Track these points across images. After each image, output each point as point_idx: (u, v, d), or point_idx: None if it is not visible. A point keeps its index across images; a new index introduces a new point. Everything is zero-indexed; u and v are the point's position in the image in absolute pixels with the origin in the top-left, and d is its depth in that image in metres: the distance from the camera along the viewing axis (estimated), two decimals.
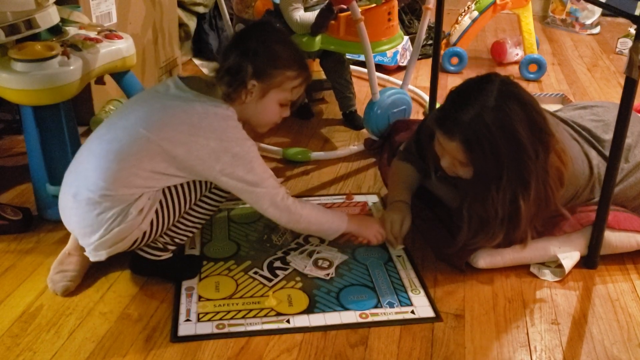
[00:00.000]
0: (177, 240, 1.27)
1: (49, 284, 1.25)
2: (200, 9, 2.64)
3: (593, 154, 1.35)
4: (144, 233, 1.19)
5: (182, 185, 1.20)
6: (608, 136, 1.35)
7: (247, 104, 1.20)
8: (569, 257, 1.33)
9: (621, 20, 3.44)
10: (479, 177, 1.21)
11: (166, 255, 1.27)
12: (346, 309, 1.22)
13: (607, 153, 1.31)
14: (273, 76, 1.19)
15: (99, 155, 1.16)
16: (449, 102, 1.22)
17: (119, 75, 1.62)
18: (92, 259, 1.21)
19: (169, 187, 1.19)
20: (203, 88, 1.20)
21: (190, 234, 1.29)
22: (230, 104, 1.19)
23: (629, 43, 2.90)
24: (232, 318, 1.19)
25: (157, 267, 1.27)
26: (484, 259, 1.32)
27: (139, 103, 1.23)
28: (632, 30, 2.89)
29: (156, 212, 1.18)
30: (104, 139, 1.19)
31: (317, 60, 2.13)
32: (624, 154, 1.35)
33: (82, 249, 1.23)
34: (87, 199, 1.15)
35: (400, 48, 2.52)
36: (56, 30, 1.51)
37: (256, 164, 1.19)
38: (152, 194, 1.17)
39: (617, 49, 3.00)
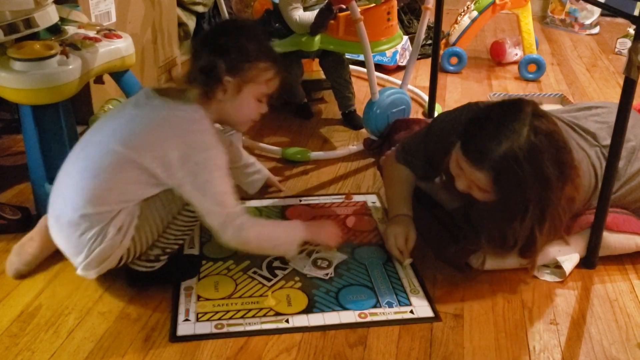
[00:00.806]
0: (168, 250, 1.24)
1: (6, 265, 1.27)
2: (200, 9, 2.64)
3: (598, 163, 1.32)
4: (128, 250, 1.18)
5: (159, 197, 1.17)
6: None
7: (223, 103, 1.18)
8: (569, 260, 1.33)
9: (620, 20, 3.44)
10: (503, 209, 1.18)
11: (160, 264, 1.25)
12: (345, 308, 1.22)
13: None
14: (246, 70, 1.17)
15: (74, 176, 1.17)
16: (478, 128, 1.16)
17: (118, 75, 1.62)
18: (83, 276, 1.20)
19: (146, 201, 1.17)
20: (174, 94, 1.19)
21: (181, 241, 1.27)
22: (206, 105, 1.17)
23: (628, 43, 2.90)
24: (231, 318, 1.19)
25: (154, 276, 1.25)
26: (482, 260, 1.32)
27: (110, 118, 1.23)
28: (631, 31, 2.89)
29: (136, 228, 1.16)
30: (79, 157, 1.19)
31: (317, 60, 2.13)
32: (628, 157, 1.34)
33: (45, 234, 1.24)
34: (69, 221, 1.15)
35: (399, 48, 2.52)
36: (55, 30, 1.50)
37: (217, 175, 1.14)
38: (130, 209, 1.15)
39: (616, 49, 3.01)
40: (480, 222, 1.27)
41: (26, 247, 1.28)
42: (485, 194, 1.19)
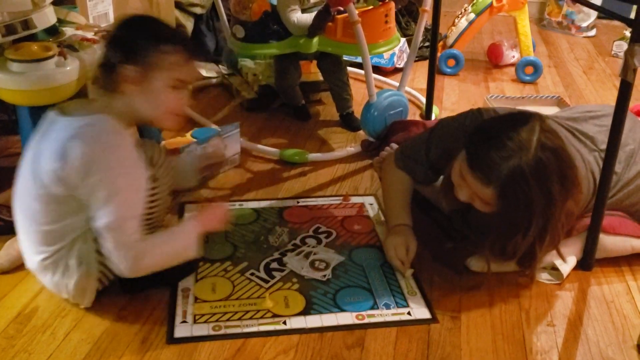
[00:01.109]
0: None
1: None
2: (198, 10, 2.64)
3: (597, 169, 1.32)
4: (103, 274, 1.17)
5: None
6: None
7: (133, 97, 1.11)
8: (566, 263, 1.33)
9: (617, 23, 3.45)
10: (506, 223, 1.18)
11: None
12: (343, 310, 1.22)
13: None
14: (148, 55, 1.09)
15: (20, 226, 1.17)
16: (484, 141, 1.15)
17: None
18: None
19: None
20: (79, 109, 1.13)
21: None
22: (115, 108, 1.11)
23: (625, 46, 2.91)
24: (228, 320, 1.18)
25: (149, 279, 1.21)
26: (479, 263, 1.32)
27: (25, 157, 1.17)
28: (628, 33, 2.90)
29: (97, 252, 1.13)
30: (16, 206, 1.18)
31: (314, 62, 2.13)
32: (627, 160, 1.34)
33: None
34: (36, 268, 1.18)
35: (397, 50, 2.52)
36: (53, 31, 1.50)
37: (122, 197, 1.06)
38: (80, 236, 1.12)
39: (613, 52, 3.02)
40: (480, 230, 1.26)
41: (15, 244, 1.27)
42: (488, 206, 1.19)
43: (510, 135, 1.13)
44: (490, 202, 1.17)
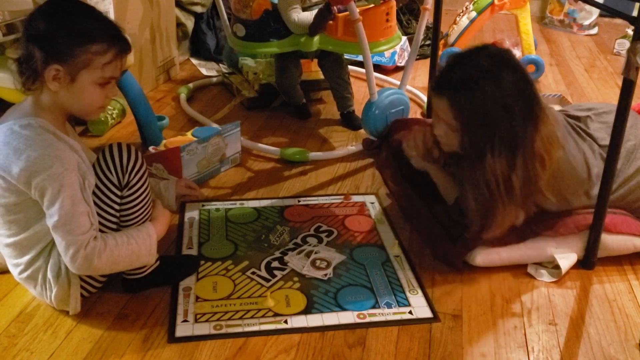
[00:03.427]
0: None
1: None
2: (198, 9, 2.64)
3: (594, 162, 1.33)
4: (86, 282, 1.16)
5: None
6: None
7: (59, 94, 1.06)
8: (566, 258, 1.33)
9: (619, 21, 3.45)
10: (473, 143, 1.21)
11: (152, 267, 1.23)
12: (344, 309, 1.22)
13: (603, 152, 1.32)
14: (76, 55, 1.03)
15: None
16: (445, 65, 1.23)
17: None
18: None
19: None
20: (10, 113, 1.10)
21: None
22: (41, 105, 1.07)
23: (627, 44, 2.91)
24: (229, 319, 1.18)
25: (149, 279, 1.24)
26: (481, 257, 1.32)
27: None
28: (630, 31, 2.89)
29: None
30: None
31: (315, 61, 2.13)
32: (627, 157, 1.35)
33: None
34: (18, 279, 1.18)
35: (398, 48, 2.52)
36: None
37: (65, 195, 1.03)
38: (53, 247, 1.11)
39: (615, 50, 3.01)
40: (466, 183, 1.29)
41: None
42: (459, 134, 1.22)
43: (464, 54, 1.21)
44: (452, 122, 1.21)
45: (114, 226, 1.16)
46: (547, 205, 1.34)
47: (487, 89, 1.15)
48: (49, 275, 1.13)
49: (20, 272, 1.15)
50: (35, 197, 1.06)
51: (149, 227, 1.18)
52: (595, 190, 1.32)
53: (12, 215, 1.10)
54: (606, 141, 1.29)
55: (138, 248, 1.13)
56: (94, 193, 1.12)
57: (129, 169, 1.14)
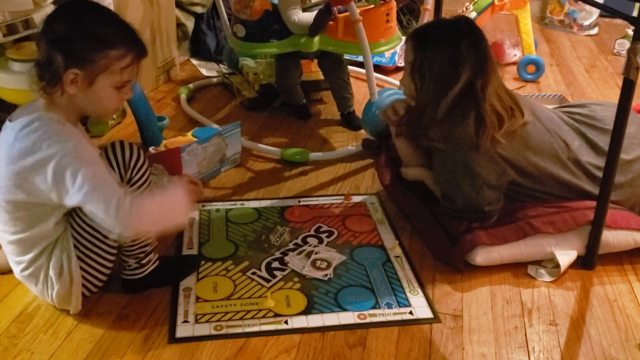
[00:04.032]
0: (143, 252, 1.21)
1: None
2: (198, 9, 2.64)
3: (571, 135, 1.42)
4: (88, 282, 1.17)
5: (84, 221, 1.12)
6: (597, 122, 1.44)
7: (76, 96, 1.07)
8: (566, 254, 1.33)
9: (619, 21, 3.44)
10: (423, 89, 1.36)
11: (151, 267, 1.24)
12: (344, 309, 1.22)
13: (593, 137, 1.42)
14: (95, 60, 1.05)
15: None
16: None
17: None
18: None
19: (74, 230, 1.13)
20: (21, 111, 1.10)
21: (149, 236, 1.21)
22: (56, 104, 1.08)
23: (627, 44, 2.91)
24: (230, 319, 1.18)
25: (149, 279, 1.24)
26: (482, 256, 1.32)
27: None
28: (630, 32, 2.89)
29: (79, 259, 1.13)
30: None
31: (316, 61, 2.13)
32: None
33: None
34: (19, 277, 1.18)
35: (398, 49, 2.51)
36: None
37: (89, 169, 1.04)
38: (56, 245, 1.12)
39: (615, 50, 3.01)
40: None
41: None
42: (409, 77, 1.38)
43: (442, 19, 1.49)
44: (413, 61, 1.37)
45: None
46: (527, 182, 1.39)
47: (447, 36, 1.34)
48: (51, 273, 1.13)
49: (22, 270, 1.15)
50: (52, 188, 1.04)
51: (178, 186, 1.15)
52: (585, 157, 1.39)
53: (19, 212, 1.10)
54: (587, 119, 1.42)
55: (174, 202, 1.10)
56: None
57: (132, 165, 1.15)
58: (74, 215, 1.13)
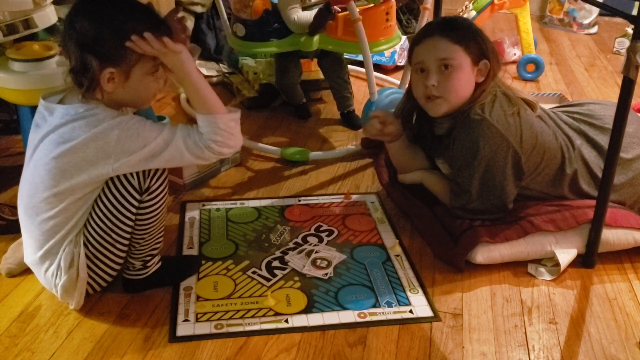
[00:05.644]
0: (150, 255, 1.22)
1: (0, 262, 1.28)
2: (198, 9, 2.64)
3: (572, 133, 1.43)
4: (93, 280, 1.17)
5: (97, 222, 1.12)
6: (596, 121, 1.45)
7: (115, 92, 1.09)
8: (566, 253, 1.34)
9: (618, 20, 3.45)
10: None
11: (153, 268, 1.24)
12: (344, 308, 1.22)
13: (593, 136, 1.42)
14: (127, 55, 1.05)
15: (22, 220, 1.17)
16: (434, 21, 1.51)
17: None
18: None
19: (87, 229, 1.13)
20: (73, 98, 1.11)
21: (159, 241, 1.22)
22: (97, 98, 1.09)
23: (627, 43, 2.91)
24: (230, 318, 1.19)
25: (150, 280, 1.24)
26: (482, 255, 1.33)
27: (31, 140, 1.14)
28: (630, 30, 2.89)
29: (88, 258, 1.14)
30: (21, 201, 1.16)
31: (315, 60, 2.13)
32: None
33: None
34: (32, 261, 1.18)
35: (398, 48, 2.52)
36: (54, 30, 1.51)
37: (142, 130, 1.07)
38: (72, 238, 1.13)
39: (615, 49, 3.01)
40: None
41: (22, 246, 1.27)
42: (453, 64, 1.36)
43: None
44: (449, 55, 1.36)
45: (128, 231, 1.15)
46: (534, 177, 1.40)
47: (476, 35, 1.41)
48: (62, 263, 1.13)
49: (35, 252, 1.15)
50: (115, 166, 1.07)
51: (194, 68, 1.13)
52: (576, 164, 1.40)
53: (67, 199, 1.09)
54: (587, 117, 1.45)
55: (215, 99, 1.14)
56: (112, 194, 1.11)
57: (151, 173, 1.13)
58: (91, 213, 1.13)
